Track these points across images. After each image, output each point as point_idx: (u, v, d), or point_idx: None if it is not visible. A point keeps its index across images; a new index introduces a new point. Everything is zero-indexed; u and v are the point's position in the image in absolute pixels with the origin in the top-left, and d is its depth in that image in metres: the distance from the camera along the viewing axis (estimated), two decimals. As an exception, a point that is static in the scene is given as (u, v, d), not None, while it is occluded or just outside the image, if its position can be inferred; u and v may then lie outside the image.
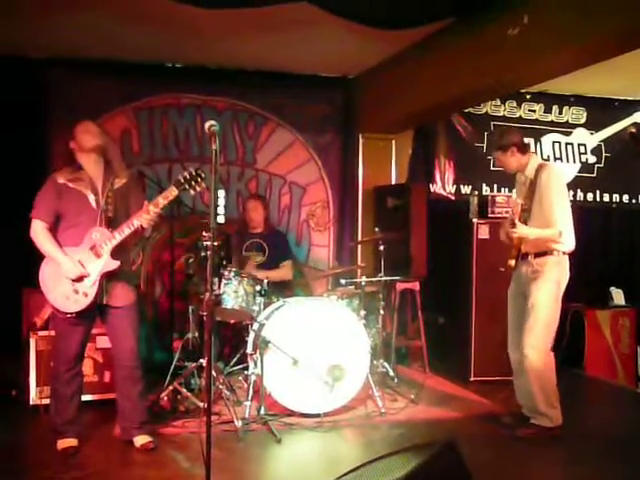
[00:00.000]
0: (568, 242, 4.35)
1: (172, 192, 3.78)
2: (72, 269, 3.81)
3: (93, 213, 3.90)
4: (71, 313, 3.85)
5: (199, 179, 3.73)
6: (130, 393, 4.05)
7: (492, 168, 7.13)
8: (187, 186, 3.75)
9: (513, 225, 4.24)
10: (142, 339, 5.93)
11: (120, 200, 4.00)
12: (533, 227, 4.31)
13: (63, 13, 4.89)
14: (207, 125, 2.93)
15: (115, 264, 3.89)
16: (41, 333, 4.83)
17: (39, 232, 3.89)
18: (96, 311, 3.96)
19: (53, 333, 4.68)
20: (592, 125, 7.53)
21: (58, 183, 3.91)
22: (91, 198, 3.91)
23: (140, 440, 4.04)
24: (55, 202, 3.89)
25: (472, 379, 5.82)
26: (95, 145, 3.94)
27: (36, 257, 3.97)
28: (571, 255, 4.41)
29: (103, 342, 4.73)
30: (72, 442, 3.99)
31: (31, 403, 4.74)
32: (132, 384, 4.04)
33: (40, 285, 3.92)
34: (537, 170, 4.41)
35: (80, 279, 3.83)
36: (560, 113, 7.43)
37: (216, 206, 3.03)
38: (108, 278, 3.91)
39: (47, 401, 4.43)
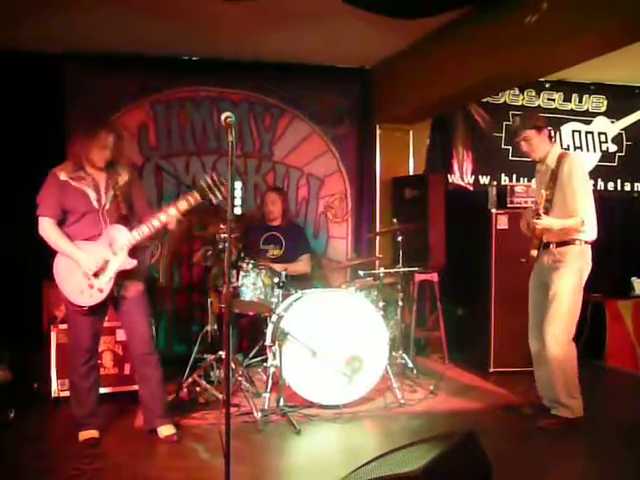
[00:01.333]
0: (590, 231, 4.30)
1: (195, 198, 3.81)
2: (91, 264, 3.82)
3: (95, 212, 3.90)
4: (85, 307, 3.88)
5: (222, 186, 3.74)
6: (149, 380, 4.07)
7: (511, 158, 7.09)
8: (209, 192, 3.76)
9: (538, 216, 4.19)
10: (162, 331, 6.00)
11: (127, 195, 4.02)
12: (555, 216, 4.25)
13: (80, 9, 4.90)
14: (223, 117, 2.93)
15: (132, 263, 3.91)
16: (62, 326, 4.85)
17: (49, 229, 3.88)
18: (108, 303, 4.00)
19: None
20: (613, 113, 7.43)
21: (60, 180, 3.89)
22: (92, 197, 3.90)
23: (164, 431, 4.06)
24: (59, 198, 3.88)
25: (492, 370, 5.79)
26: (105, 163, 3.94)
27: (54, 250, 3.99)
28: (592, 245, 4.36)
29: (122, 335, 4.76)
30: (93, 434, 4.03)
31: (53, 396, 4.79)
32: (150, 371, 4.06)
33: (54, 278, 3.94)
34: (559, 159, 4.35)
35: (96, 275, 3.85)
36: (580, 101, 7.34)
37: (233, 198, 3.02)
38: (122, 274, 3.93)
39: (67, 394, 4.47)
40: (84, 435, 4.02)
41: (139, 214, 4.06)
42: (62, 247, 3.87)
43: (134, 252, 3.94)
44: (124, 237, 3.87)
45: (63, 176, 3.90)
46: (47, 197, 3.91)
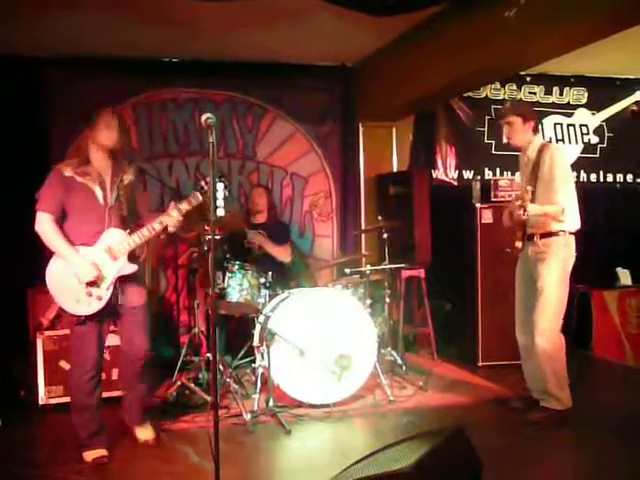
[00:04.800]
0: (572, 221, 4.31)
1: (196, 198, 3.77)
2: (88, 273, 3.65)
3: (100, 209, 3.76)
4: (82, 316, 3.70)
5: (223, 186, 3.69)
6: (135, 388, 4.04)
7: (494, 152, 7.12)
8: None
9: (524, 211, 4.14)
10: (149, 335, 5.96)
11: (129, 197, 3.90)
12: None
13: (61, 12, 4.87)
14: (203, 118, 2.94)
15: (132, 268, 3.80)
16: (48, 333, 4.83)
17: (46, 226, 3.69)
18: (110, 311, 3.82)
19: (60, 333, 4.75)
20: (593, 105, 7.48)
21: (64, 176, 3.73)
22: (98, 193, 3.77)
23: (142, 434, 4.05)
24: (61, 195, 3.72)
25: (480, 364, 5.81)
26: (113, 144, 3.83)
27: (40, 256, 3.88)
28: (577, 236, 4.38)
29: (111, 340, 4.71)
30: (102, 452, 3.82)
31: (40, 403, 4.75)
32: (139, 379, 4.03)
33: (47, 286, 3.73)
34: (539, 150, 4.37)
35: (94, 282, 3.69)
36: (561, 94, 7.38)
37: (215, 199, 3.01)
38: (122, 280, 3.81)
39: (55, 401, 4.48)
40: (91, 455, 3.79)
41: (139, 218, 3.94)
42: (58, 247, 3.68)
43: (133, 257, 3.83)
44: (122, 241, 3.75)
45: (68, 172, 3.75)
46: (48, 192, 3.74)
